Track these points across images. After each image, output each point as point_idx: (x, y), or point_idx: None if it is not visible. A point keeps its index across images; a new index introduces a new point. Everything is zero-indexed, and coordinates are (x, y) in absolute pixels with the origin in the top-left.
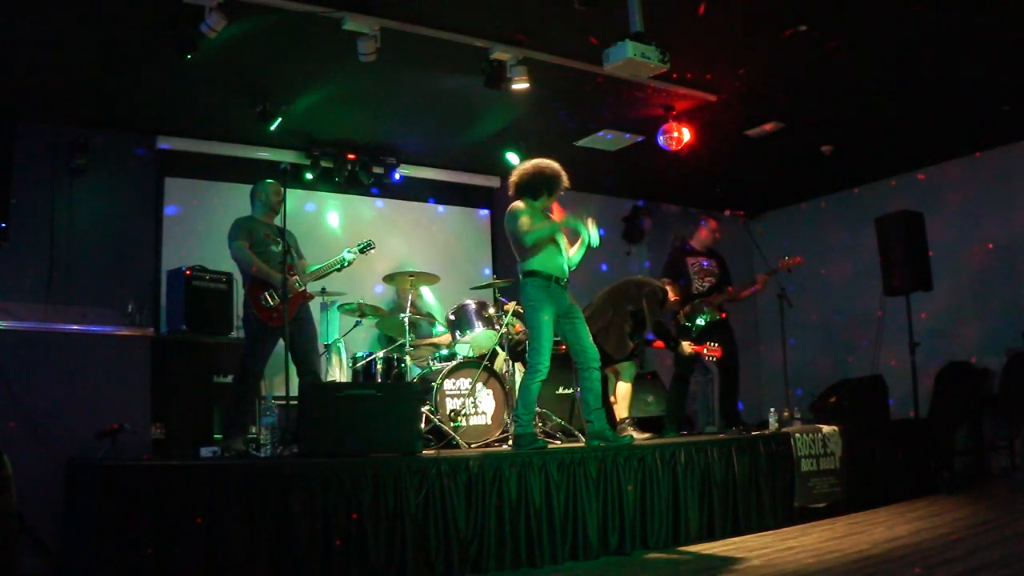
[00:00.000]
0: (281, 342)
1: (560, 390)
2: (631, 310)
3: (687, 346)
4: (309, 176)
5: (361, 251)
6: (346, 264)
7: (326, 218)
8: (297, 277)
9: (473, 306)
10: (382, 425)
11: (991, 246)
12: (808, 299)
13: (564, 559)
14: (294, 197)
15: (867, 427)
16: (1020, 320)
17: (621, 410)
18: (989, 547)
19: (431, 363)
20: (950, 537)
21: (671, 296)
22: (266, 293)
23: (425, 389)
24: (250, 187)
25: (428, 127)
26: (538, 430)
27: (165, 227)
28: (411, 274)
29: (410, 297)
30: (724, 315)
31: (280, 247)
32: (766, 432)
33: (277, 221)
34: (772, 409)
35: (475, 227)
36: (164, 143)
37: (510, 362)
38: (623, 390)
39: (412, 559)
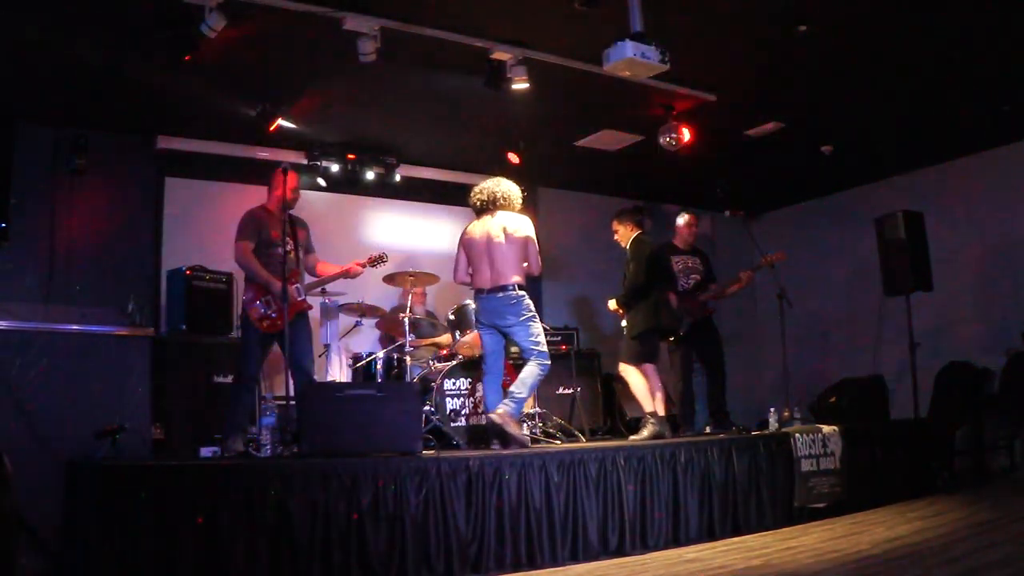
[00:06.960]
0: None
1: (560, 390)
2: None
3: None
4: (309, 176)
5: (372, 264)
6: (352, 276)
7: (326, 218)
8: (298, 286)
9: (473, 306)
10: (382, 425)
11: (991, 246)
12: (808, 299)
13: (564, 559)
14: None
15: (867, 427)
16: (1020, 320)
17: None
18: (989, 547)
19: (431, 363)
20: (950, 537)
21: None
22: (261, 300)
23: (425, 389)
24: (250, 187)
25: (428, 127)
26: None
27: (165, 227)
28: (411, 274)
29: (410, 297)
30: (710, 311)
31: (287, 249)
32: (766, 432)
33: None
34: (772, 409)
35: None
36: (164, 143)
37: None
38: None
39: (412, 559)
